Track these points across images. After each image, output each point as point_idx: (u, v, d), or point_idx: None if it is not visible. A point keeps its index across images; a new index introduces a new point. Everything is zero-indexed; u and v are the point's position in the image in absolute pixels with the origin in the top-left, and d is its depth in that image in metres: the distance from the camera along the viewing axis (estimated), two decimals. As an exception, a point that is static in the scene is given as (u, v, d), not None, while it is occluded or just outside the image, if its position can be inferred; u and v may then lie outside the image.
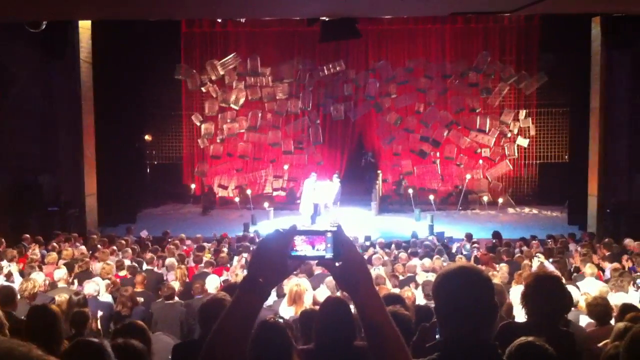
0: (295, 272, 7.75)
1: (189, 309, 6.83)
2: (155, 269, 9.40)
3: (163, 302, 7.02)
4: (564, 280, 7.56)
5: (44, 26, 11.94)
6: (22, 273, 8.61)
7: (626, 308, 5.29)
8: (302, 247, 1.75)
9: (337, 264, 1.76)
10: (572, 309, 5.74)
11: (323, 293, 6.09)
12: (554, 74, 19.28)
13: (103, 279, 8.05)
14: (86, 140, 15.94)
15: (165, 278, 8.95)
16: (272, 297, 6.99)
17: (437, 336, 2.62)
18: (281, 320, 3.57)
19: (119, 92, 16.96)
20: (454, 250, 12.04)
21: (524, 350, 2.79)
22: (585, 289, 7.24)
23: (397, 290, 7.13)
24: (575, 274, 9.05)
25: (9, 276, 8.35)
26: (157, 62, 19.50)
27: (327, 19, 11.03)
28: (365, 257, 10.02)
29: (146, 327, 4.73)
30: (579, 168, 16.44)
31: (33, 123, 15.17)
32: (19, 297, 6.61)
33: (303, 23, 14.37)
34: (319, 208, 16.67)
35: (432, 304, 2.45)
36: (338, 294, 5.33)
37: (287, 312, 6.03)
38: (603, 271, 9.24)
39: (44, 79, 15.49)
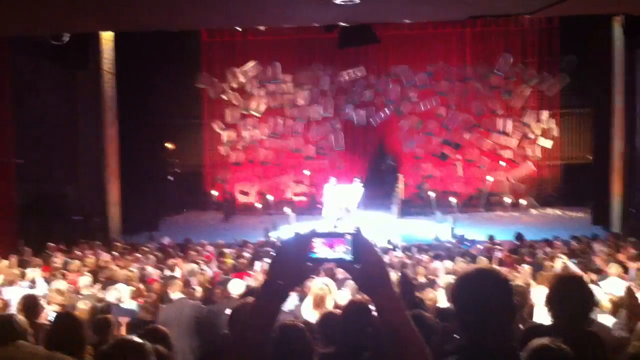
0: (316, 275, 7.76)
1: (210, 314, 6.84)
2: (177, 276, 9.44)
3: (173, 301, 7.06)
4: (587, 281, 7.51)
5: (66, 39, 12.12)
6: (46, 281, 8.72)
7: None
8: (321, 249, 1.76)
9: (356, 267, 1.77)
10: (596, 309, 5.68)
11: (344, 296, 6.08)
12: (576, 75, 19.13)
13: (127, 286, 8.11)
14: (109, 149, 16.12)
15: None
16: (294, 301, 6.99)
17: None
18: (301, 324, 3.58)
19: (141, 101, 17.14)
20: (476, 253, 11.95)
21: (541, 352, 2.77)
22: (609, 289, 7.15)
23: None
24: (599, 275, 8.94)
25: (32, 282, 8.47)
26: (178, 71, 19.69)
27: (345, 25, 11.05)
28: (387, 260, 9.99)
29: (167, 332, 4.78)
30: (603, 169, 16.28)
31: (57, 133, 15.37)
32: (43, 305, 6.71)
33: (322, 29, 14.43)
34: (347, 212, 16.67)
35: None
36: (358, 296, 5.34)
37: (310, 315, 6.02)
38: (627, 271, 9.10)
39: (67, 90, 15.72)
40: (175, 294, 7.05)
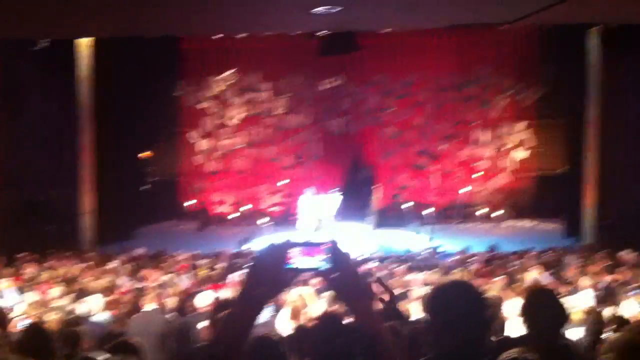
0: (293, 285, 7.72)
1: (182, 326, 6.78)
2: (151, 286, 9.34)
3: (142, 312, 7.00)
4: (560, 293, 7.56)
5: (46, 43, 12.02)
6: (19, 290, 8.57)
7: (620, 320, 5.28)
8: (297, 259, 1.77)
9: (333, 276, 1.77)
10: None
11: (317, 308, 6.06)
12: (552, 86, 19.31)
13: (101, 297, 8.01)
14: (84, 156, 15.96)
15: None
16: (269, 312, 6.95)
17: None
18: (275, 336, 3.56)
19: (117, 108, 16.99)
20: (451, 264, 11.99)
21: None
22: (581, 302, 7.21)
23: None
24: (571, 287, 9.01)
25: (1, 293, 8.33)
26: (155, 78, 19.50)
27: (326, 34, 11.06)
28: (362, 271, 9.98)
29: (139, 344, 4.72)
30: (576, 180, 16.45)
31: (30, 139, 15.18)
32: (12, 316, 6.60)
33: (302, 38, 14.45)
34: (323, 222, 16.66)
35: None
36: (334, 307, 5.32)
37: (287, 326, 5.99)
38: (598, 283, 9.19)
39: (41, 95, 15.53)
40: (150, 305, 6.97)
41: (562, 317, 3.66)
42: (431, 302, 2.27)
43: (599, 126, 15.66)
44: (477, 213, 19.57)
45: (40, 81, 15.21)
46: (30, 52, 12.02)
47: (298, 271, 1.78)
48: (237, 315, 1.73)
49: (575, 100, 16.89)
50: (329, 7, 7.32)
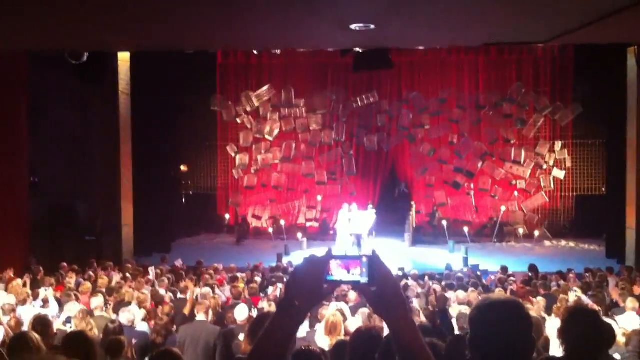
0: (326, 302, 7.74)
1: (225, 338, 6.84)
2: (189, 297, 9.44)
3: (191, 322, 7.06)
4: (601, 315, 7.43)
5: (85, 58, 12.30)
6: (59, 301, 8.74)
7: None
8: (337, 271, 1.78)
9: (372, 289, 1.78)
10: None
11: (355, 323, 6.06)
12: (589, 105, 19.10)
13: (139, 308, 8.12)
14: (123, 169, 16.23)
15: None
16: (306, 328, 6.97)
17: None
18: (317, 350, 3.58)
19: (155, 122, 17.26)
20: (488, 283, 11.87)
21: None
22: (626, 324, 7.07)
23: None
24: (614, 309, 8.84)
25: (45, 302, 8.50)
26: (193, 93, 19.84)
27: (360, 50, 11.14)
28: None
29: (180, 354, 4.77)
30: (617, 200, 16.18)
31: (71, 152, 15.50)
32: (55, 324, 6.73)
33: (336, 54, 14.53)
34: (361, 238, 16.64)
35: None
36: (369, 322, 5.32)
37: (323, 341, 6.00)
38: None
39: (83, 109, 15.89)
40: (200, 316, 7.05)
41: (603, 339, 3.60)
42: (476, 318, 2.24)
43: (638, 146, 15.37)
44: (515, 232, 19.33)
45: (80, 95, 15.57)
46: (70, 65, 12.29)
47: (338, 283, 1.79)
48: (277, 327, 1.73)
49: (614, 120, 16.62)
50: (364, 24, 7.35)
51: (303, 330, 6.71)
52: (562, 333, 3.48)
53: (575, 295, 9.10)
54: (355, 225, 16.90)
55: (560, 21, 7.02)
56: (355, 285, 1.81)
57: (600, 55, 16.23)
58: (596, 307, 8.01)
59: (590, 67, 18.01)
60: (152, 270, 12.17)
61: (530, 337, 2.17)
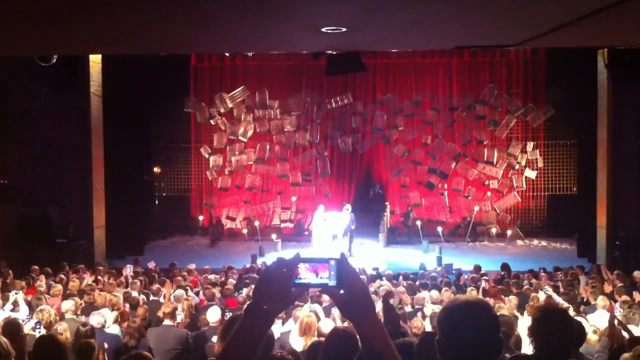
0: (301, 303, 7.75)
1: (196, 340, 6.81)
2: (162, 300, 9.39)
3: (160, 325, 7.02)
4: (572, 313, 7.53)
5: (54, 60, 12.15)
6: (29, 304, 8.62)
7: (635, 340, 5.26)
8: (305, 274, 1.78)
9: (340, 292, 1.78)
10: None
11: (328, 324, 6.07)
12: (561, 107, 19.37)
13: (111, 311, 8.04)
14: (95, 172, 16.06)
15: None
16: (280, 329, 6.97)
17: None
18: (290, 357, 3.57)
19: (128, 124, 17.12)
20: (462, 283, 11.97)
21: None
22: (596, 322, 7.18)
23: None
24: (585, 307, 8.97)
25: (15, 305, 8.38)
26: (166, 95, 19.71)
27: (332, 53, 11.15)
28: (372, 289, 9.98)
29: (152, 358, 4.74)
30: (588, 200, 16.43)
31: (42, 155, 15.30)
32: (26, 327, 6.63)
33: (310, 57, 14.57)
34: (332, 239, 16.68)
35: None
36: (345, 323, 5.33)
37: (297, 342, 6.00)
38: (615, 302, 9.14)
39: (54, 112, 15.67)
40: (166, 321, 7.00)
41: (573, 337, 3.64)
42: (443, 319, 2.25)
43: (609, 147, 15.63)
44: (488, 232, 19.52)
45: (51, 98, 15.37)
46: (40, 68, 12.15)
47: (306, 286, 1.79)
48: (245, 330, 1.73)
49: (585, 121, 16.88)
50: (336, 27, 7.37)
51: (277, 332, 6.71)
52: (533, 331, 3.51)
53: (546, 293, 9.21)
54: (330, 226, 16.94)
55: (531, 25, 7.09)
56: (323, 288, 1.81)
57: (572, 58, 16.49)
58: (566, 305, 8.13)
59: (562, 69, 18.24)
60: (129, 268, 12.09)
61: (498, 337, 2.19)
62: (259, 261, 15.40)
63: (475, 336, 2.13)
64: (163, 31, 8.14)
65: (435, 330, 2.41)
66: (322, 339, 5.31)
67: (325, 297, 8.55)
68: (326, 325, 5.97)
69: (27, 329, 6.89)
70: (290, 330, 6.56)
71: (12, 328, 6.04)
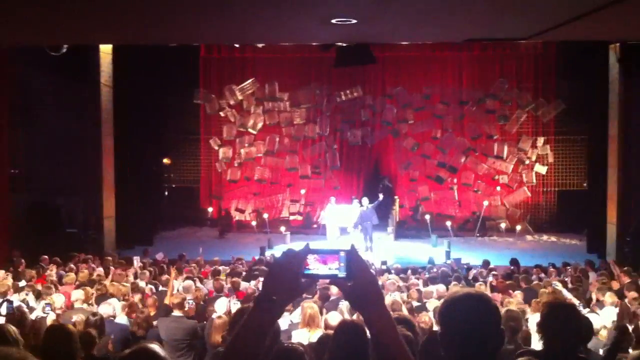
0: (309, 296, 7.76)
1: (204, 331, 6.83)
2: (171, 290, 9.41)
3: (169, 317, 7.04)
4: (581, 309, 7.50)
5: (64, 49, 12.19)
6: (39, 293, 8.65)
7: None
8: (315, 265, 1.77)
9: (349, 283, 1.77)
10: (593, 337, 5.68)
11: (335, 317, 6.06)
12: (571, 102, 19.24)
13: (119, 301, 8.09)
14: (105, 162, 16.12)
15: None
16: (287, 321, 6.98)
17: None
18: (299, 346, 3.57)
19: (138, 115, 17.17)
20: (470, 277, 11.94)
21: None
22: (605, 318, 7.14)
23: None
24: (594, 303, 8.92)
25: (26, 294, 8.43)
26: (176, 86, 19.71)
27: (342, 45, 11.12)
28: (380, 282, 9.98)
29: (156, 351, 4.75)
30: (598, 195, 16.33)
31: (52, 145, 15.38)
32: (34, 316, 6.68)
33: (319, 49, 14.54)
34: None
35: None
36: (355, 316, 5.32)
37: (301, 334, 6.01)
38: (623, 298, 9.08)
39: (64, 102, 15.73)
40: (175, 312, 7.02)
41: (581, 333, 3.63)
42: (444, 312, 2.26)
43: (620, 142, 15.52)
44: (497, 227, 19.47)
45: (61, 88, 15.42)
46: (51, 58, 12.19)
47: (315, 277, 1.79)
48: (254, 321, 1.72)
49: (596, 116, 16.76)
50: (346, 19, 7.35)
51: (285, 324, 6.72)
52: (541, 327, 3.50)
53: (554, 288, 9.18)
54: (341, 218, 17.00)
55: (542, 18, 7.06)
56: (332, 279, 1.80)
57: (583, 52, 16.36)
58: (575, 301, 8.09)
59: (573, 64, 18.12)
60: (136, 260, 12.14)
61: (499, 329, 2.19)
62: (267, 253, 15.42)
63: (477, 328, 2.13)
64: (173, 21, 8.15)
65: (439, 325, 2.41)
66: (330, 331, 5.31)
67: (333, 290, 8.56)
68: (333, 318, 5.97)
69: (37, 312, 6.97)
70: (298, 323, 6.57)
71: (22, 316, 6.11)
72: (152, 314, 7.67)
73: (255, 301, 1.78)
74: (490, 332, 2.16)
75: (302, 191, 20.69)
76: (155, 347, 2.89)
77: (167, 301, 7.77)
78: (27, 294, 8.47)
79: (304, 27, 8.67)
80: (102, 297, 8.34)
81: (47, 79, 14.92)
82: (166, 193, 21.35)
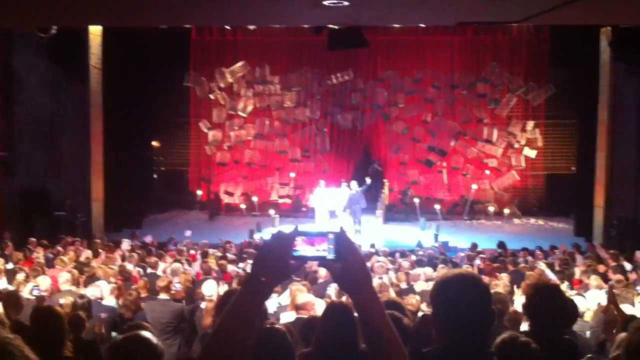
0: (298, 279, 7.78)
1: (191, 314, 6.85)
2: (159, 273, 9.42)
3: (154, 299, 7.05)
4: (568, 291, 7.57)
5: (53, 32, 12.07)
6: (27, 276, 8.62)
7: (630, 319, 5.28)
8: (303, 247, 1.78)
9: (338, 265, 1.78)
10: (579, 320, 5.74)
11: (321, 304, 6.09)
12: (562, 86, 19.27)
13: (109, 283, 8.07)
14: (94, 145, 16.04)
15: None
16: (275, 303, 7.00)
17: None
18: (283, 327, 3.59)
19: (127, 98, 17.03)
20: (458, 260, 12.01)
21: (508, 344, 2.83)
22: (591, 300, 7.21)
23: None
24: (582, 286, 9.00)
25: (12, 276, 8.40)
26: (166, 69, 19.56)
27: (334, 28, 11.08)
28: (369, 265, 10.01)
29: (146, 338, 4.76)
30: (586, 180, 16.43)
31: (41, 128, 15.28)
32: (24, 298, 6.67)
33: (311, 32, 14.46)
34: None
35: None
36: (343, 299, 5.36)
37: (289, 316, 6.04)
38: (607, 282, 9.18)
39: (53, 84, 15.61)
40: (162, 295, 7.03)
41: (567, 314, 3.66)
42: (437, 293, 2.28)
43: (609, 127, 15.60)
44: (486, 210, 19.56)
45: (50, 70, 15.29)
46: (39, 41, 12.08)
47: (304, 259, 1.79)
48: (242, 303, 1.73)
49: (586, 101, 16.81)
50: (338, 0, 7.31)
51: (273, 306, 6.75)
52: (526, 308, 3.53)
53: (539, 268, 9.26)
54: (330, 202, 17.02)
55: (534, 1, 7.05)
56: (321, 261, 1.81)
57: (575, 37, 16.35)
58: (560, 283, 8.17)
59: (565, 48, 18.14)
60: (125, 243, 12.12)
61: (490, 308, 2.22)
62: (257, 236, 15.44)
63: (469, 308, 2.16)
64: (163, 2, 8.09)
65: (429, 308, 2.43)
66: (318, 315, 5.34)
67: (322, 273, 8.60)
68: (320, 305, 5.99)
69: (25, 293, 6.96)
70: (287, 305, 6.60)
71: (12, 298, 6.09)
72: (143, 296, 7.67)
73: (244, 283, 1.79)
74: (481, 311, 2.19)
75: (292, 174, 20.69)
76: (147, 334, 2.90)
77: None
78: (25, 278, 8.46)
79: (295, 9, 8.62)
80: (90, 279, 8.34)
81: (35, 61, 14.78)
82: (155, 176, 21.26)
